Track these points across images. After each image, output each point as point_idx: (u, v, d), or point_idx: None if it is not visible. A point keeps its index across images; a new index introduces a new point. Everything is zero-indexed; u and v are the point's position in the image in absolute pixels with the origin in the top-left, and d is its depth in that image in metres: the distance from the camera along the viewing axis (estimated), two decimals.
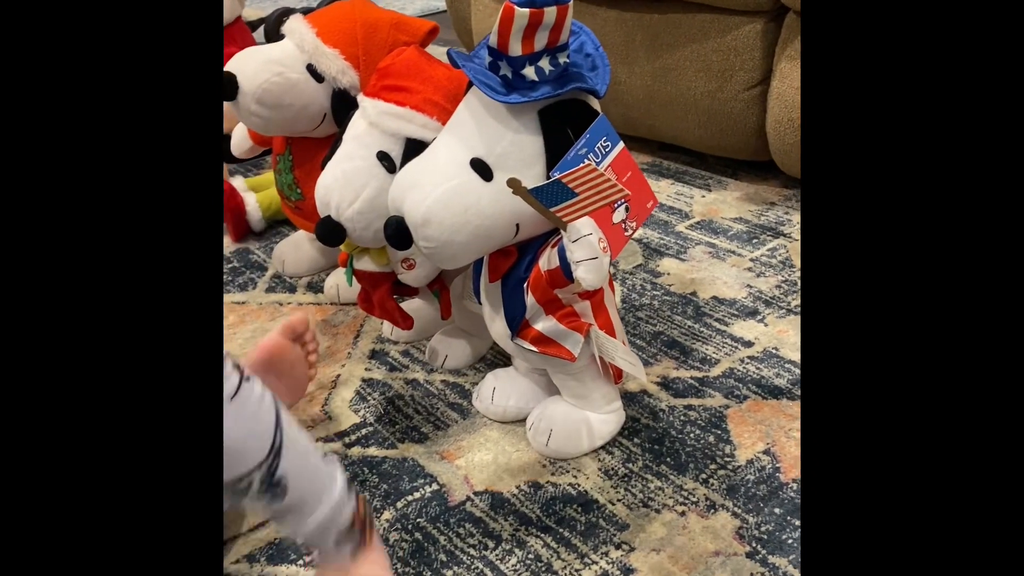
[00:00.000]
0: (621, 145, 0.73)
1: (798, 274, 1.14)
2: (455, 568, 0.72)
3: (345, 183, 0.83)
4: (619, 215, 0.74)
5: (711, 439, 0.85)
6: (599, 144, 0.71)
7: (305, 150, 1.06)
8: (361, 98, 0.86)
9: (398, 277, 0.92)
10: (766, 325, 1.03)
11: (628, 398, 0.90)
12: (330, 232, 0.84)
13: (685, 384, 0.93)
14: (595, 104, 0.76)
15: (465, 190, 0.72)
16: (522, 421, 0.89)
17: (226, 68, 0.98)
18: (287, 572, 0.73)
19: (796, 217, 1.29)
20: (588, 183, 0.64)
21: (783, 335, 1.01)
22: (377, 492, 0.81)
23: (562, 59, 0.72)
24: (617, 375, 0.84)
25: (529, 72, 0.71)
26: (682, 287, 1.12)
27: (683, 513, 0.76)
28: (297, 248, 1.20)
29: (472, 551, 0.74)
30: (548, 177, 0.71)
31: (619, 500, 0.78)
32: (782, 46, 1.25)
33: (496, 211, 0.73)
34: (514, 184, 0.66)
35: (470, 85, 0.78)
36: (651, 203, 0.77)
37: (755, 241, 1.23)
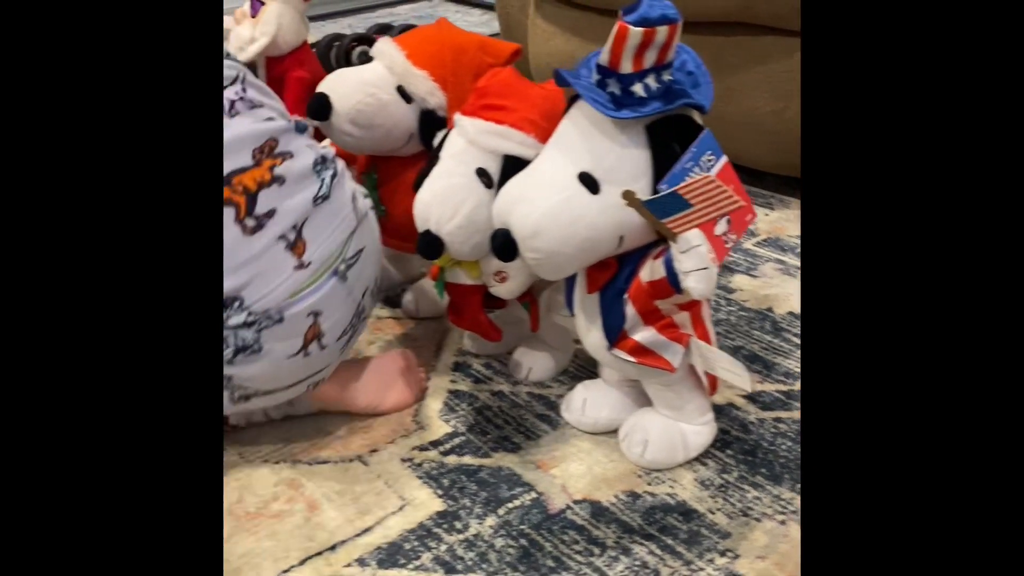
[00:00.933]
0: (725, 159, 0.75)
1: None
2: (563, 573, 0.73)
3: (445, 198, 0.85)
4: (721, 227, 0.76)
5: None
6: (704, 158, 0.73)
7: (390, 169, 1.09)
8: (458, 117, 0.89)
9: (489, 290, 0.94)
10: None
11: (716, 411, 0.91)
12: (430, 246, 0.86)
13: (772, 397, 0.94)
14: (699, 119, 0.78)
15: (573, 203, 0.74)
16: (612, 432, 0.90)
17: (319, 89, 1.02)
18: (396, 575, 0.74)
19: None
20: (705, 194, 0.66)
21: None
22: (478, 499, 0.82)
23: (666, 76, 0.75)
24: (712, 387, 0.86)
25: (638, 89, 0.73)
26: (757, 303, 1.14)
27: (783, 522, 0.77)
28: None
29: (579, 557, 0.75)
30: (655, 190, 0.73)
31: (718, 509, 0.79)
32: None
33: (602, 223, 0.75)
34: (629, 196, 0.69)
35: (571, 102, 0.81)
36: (750, 216, 0.79)
37: None
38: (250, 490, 0.85)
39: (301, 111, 1.22)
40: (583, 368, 1.03)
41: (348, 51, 2.10)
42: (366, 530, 0.79)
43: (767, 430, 0.89)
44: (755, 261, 1.24)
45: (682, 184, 0.66)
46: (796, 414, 0.91)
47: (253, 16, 1.44)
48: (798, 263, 1.23)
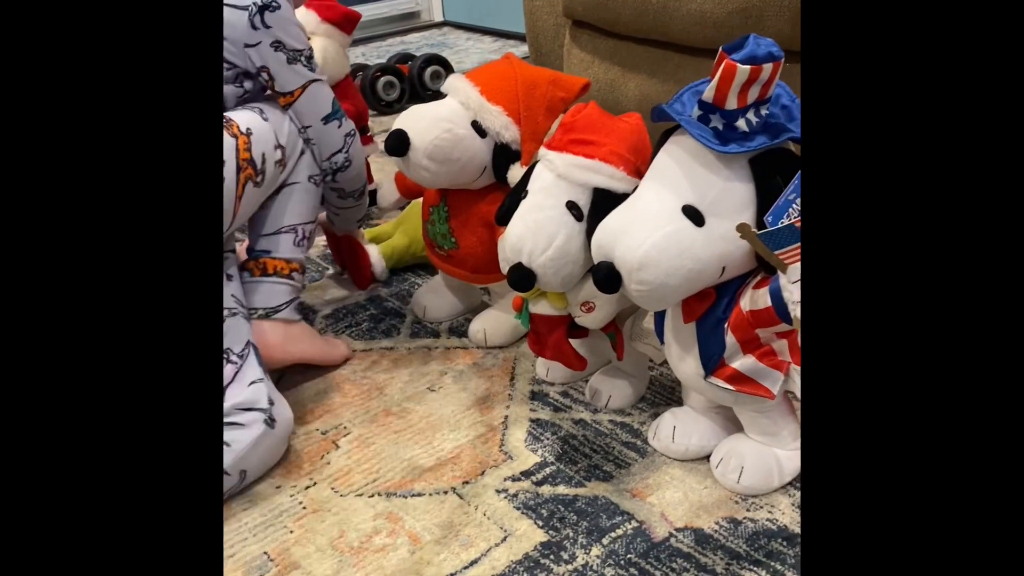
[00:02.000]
0: None
1: None
2: None
3: (538, 231, 0.87)
4: None
5: None
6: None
7: (461, 201, 1.11)
8: (545, 152, 0.91)
9: (575, 320, 0.95)
10: None
11: None
12: (523, 278, 0.88)
13: None
14: (796, 151, 0.80)
15: (679, 236, 0.76)
16: (702, 459, 0.91)
17: (396, 125, 1.03)
18: None
19: None
20: None
21: None
22: (579, 529, 0.83)
23: (764, 110, 0.77)
24: None
25: (741, 124, 0.75)
26: None
27: None
28: (437, 294, 1.24)
29: None
30: (760, 222, 0.75)
31: None
32: None
33: (707, 255, 0.76)
34: (744, 230, 0.70)
35: (664, 137, 0.82)
36: None
37: None
38: (350, 524, 0.86)
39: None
40: (660, 394, 1.04)
41: (373, 81, 2.14)
42: (473, 562, 0.80)
43: None
44: None
45: (800, 217, 0.67)
46: None
47: None
48: None
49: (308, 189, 1.08)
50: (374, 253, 1.32)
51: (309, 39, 1.43)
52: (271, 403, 0.91)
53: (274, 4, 1.01)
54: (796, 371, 0.81)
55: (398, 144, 1.02)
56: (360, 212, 1.23)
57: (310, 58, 1.06)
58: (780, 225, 0.69)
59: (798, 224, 0.68)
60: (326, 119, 1.07)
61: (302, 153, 1.07)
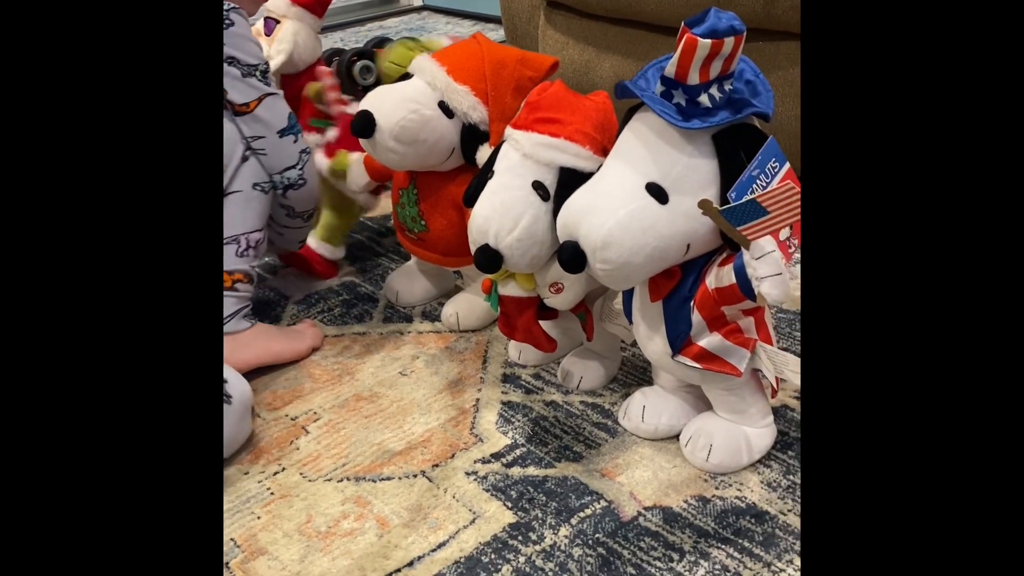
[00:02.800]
0: (788, 165, 0.76)
1: None
2: None
3: (504, 212, 0.86)
4: (784, 233, 0.77)
5: None
6: (769, 165, 0.75)
7: (430, 184, 1.10)
8: (511, 131, 0.90)
9: (544, 301, 0.95)
10: None
11: (772, 413, 0.93)
12: (489, 260, 0.87)
13: None
14: (761, 127, 0.79)
15: (643, 214, 0.75)
16: (671, 438, 0.91)
17: (361, 107, 1.02)
18: None
19: None
20: (783, 200, 0.67)
21: None
22: (548, 509, 0.83)
23: (728, 86, 0.76)
24: (774, 390, 0.87)
25: (704, 99, 0.74)
26: (794, 304, 1.15)
27: None
28: (410, 278, 1.23)
29: (659, 563, 0.76)
30: (724, 199, 0.75)
31: (790, 511, 0.80)
32: None
33: (671, 232, 0.76)
34: (706, 205, 0.70)
35: (629, 114, 0.82)
36: None
37: None
38: (318, 509, 0.85)
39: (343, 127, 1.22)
40: (631, 375, 1.04)
41: (349, 66, 2.11)
42: (441, 545, 0.80)
43: None
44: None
45: (762, 192, 0.67)
46: None
47: (268, 34, 1.45)
48: None
49: (252, 197, 1.08)
50: (315, 245, 1.30)
51: (279, 22, 1.42)
52: (224, 380, 0.90)
53: (227, 21, 1.03)
54: (763, 348, 0.81)
55: (364, 125, 1.01)
56: (304, 234, 1.21)
57: (265, 72, 1.08)
58: (743, 201, 0.69)
59: (760, 199, 0.68)
60: (281, 132, 1.08)
61: (244, 160, 1.06)
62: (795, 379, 0.80)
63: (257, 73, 1.06)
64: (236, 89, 1.05)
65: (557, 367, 1.05)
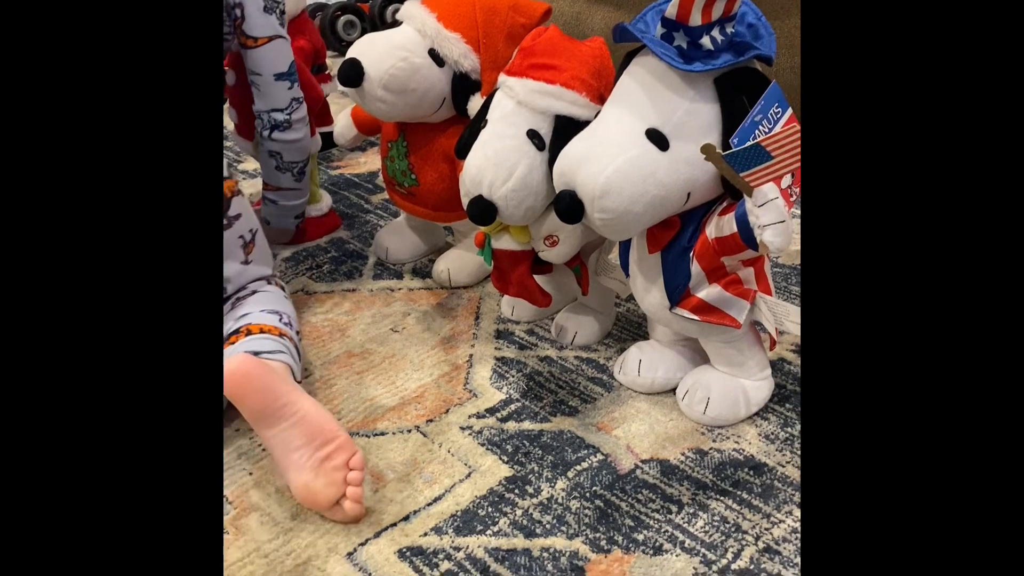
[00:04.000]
0: (790, 110, 0.74)
1: None
2: (645, 532, 0.74)
3: (498, 162, 0.84)
4: (786, 181, 0.76)
5: None
6: (772, 111, 0.73)
7: (420, 136, 1.07)
8: (504, 78, 0.87)
9: (539, 255, 0.93)
10: None
11: (770, 365, 0.92)
12: (483, 211, 0.85)
13: None
14: (764, 71, 0.77)
15: (643, 161, 0.73)
16: (668, 392, 0.90)
17: (349, 55, 0.99)
18: (475, 542, 0.74)
19: None
20: (787, 145, 0.65)
21: None
22: (544, 463, 0.82)
23: (730, 28, 0.74)
24: (772, 342, 0.86)
25: (706, 41, 0.72)
26: (789, 258, 1.14)
27: None
28: (400, 235, 1.20)
29: (657, 515, 0.75)
30: (726, 144, 0.73)
31: (788, 462, 0.80)
32: None
33: (672, 180, 0.74)
34: (708, 150, 0.68)
35: (628, 58, 0.79)
36: None
37: None
38: None
39: (304, 79, 1.18)
40: (626, 330, 1.02)
41: (333, 19, 2.06)
42: (437, 499, 0.79)
43: None
44: None
45: (767, 136, 0.65)
46: None
47: None
48: None
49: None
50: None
51: None
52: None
53: None
54: (763, 299, 0.80)
55: (352, 73, 0.97)
56: (297, 208, 1.18)
57: (283, 13, 1.08)
58: (746, 145, 0.67)
59: (764, 144, 0.66)
60: (278, 76, 1.06)
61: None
62: (796, 330, 0.79)
63: (277, 12, 1.06)
64: (254, 21, 1.04)
65: (551, 323, 1.03)
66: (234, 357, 0.77)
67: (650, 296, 0.84)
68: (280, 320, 0.89)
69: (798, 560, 0.69)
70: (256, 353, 0.81)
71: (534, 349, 1.00)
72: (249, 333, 0.85)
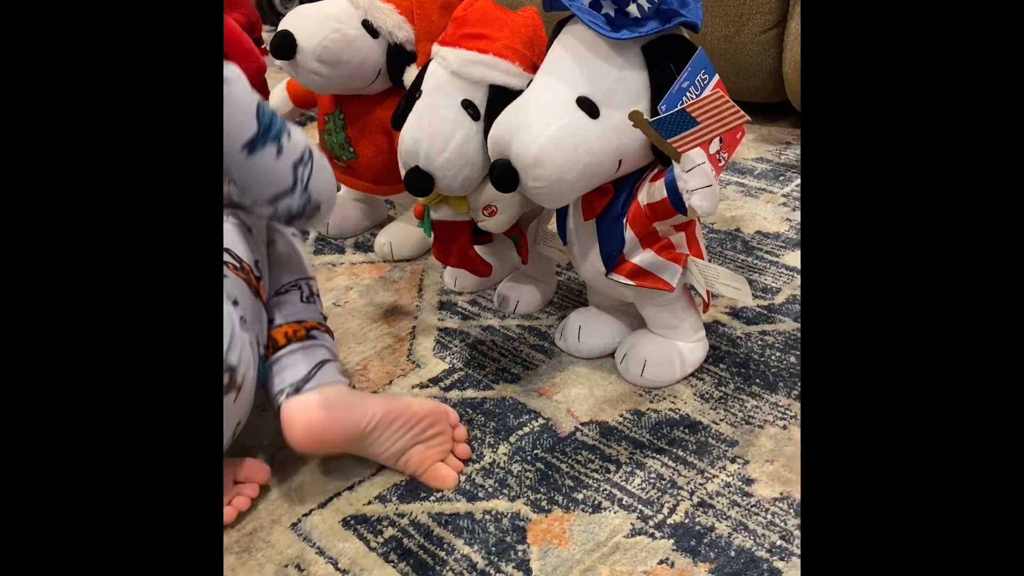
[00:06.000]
0: (717, 76, 0.76)
1: None
2: (584, 491, 0.76)
3: (434, 133, 0.84)
4: (714, 146, 0.78)
5: (792, 359, 0.90)
6: (699, 77, 0.74)
7: (357, 108, 1.07)
8: (438, 48, 0.87)
9: (478, 225, 0.93)
10: None
11: (704, 328, 0.94)
12: (419, 182, 0.85)
13: (754, 313, 0.98)
14: (690, 38, 0.78)
15: (575, 128, 0.74)
16: (607, 356, 0.92)
17: (281, 27, 0.98)
18: (419, 508, 0.75)
19: None
20: (713, 110, 0.67)
21: None
22: (487, 429, 0.83)
23: None
24: (705, 305, 0.88)
25: (633, 9, 0.73)
26: (725, 224, 1.17)
27: (785, 427, 0.81)
28: (341, 209, 1.20)
29: (596, 475, 0.77)
30: (655, 111, 0.74)
31: (722, 420, 0.83)
32: None
33: (603, 148, 0.75)
34: (636, 117, 0.69)
35: (559, 27, 0.80)
36: (740, 134, 0.81)
37: (782, 179, 1.28)
38: (255, 439, 0.84)
39: (244, 47, 1.17)
40: (567, 297, 1.04)
41: None
42: (381, 468, 0.79)
43: (755, 343, 0.93)
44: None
45: (692, 101, 0.67)
46: (780, 327, 0.95)
47: None
48: (758, 184, 1.27)
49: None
50: None
51: None
52: None
53: None
54: (695, 263, 0.82)
55: (284, 46, 0.96)
56: None
57: None
58: (673, 111, 0.68)
59: (690, 109, 0.67)
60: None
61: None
62: (728, 292, 0.81)
63: None
64: None
65: (493, 293, 1.04)
66: (295, 418, 0.72)
67: (587, 263, 0.85)
68: (302, 297, 0.79)
69: (731, 513, 0.72)
70: (298, 388, 0.74)
71: (477, 319, 1.01)
72: (276, 346, 0.76)
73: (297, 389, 0.74)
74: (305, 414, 0.72)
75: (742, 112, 0.67)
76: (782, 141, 1.40)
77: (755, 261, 1.08)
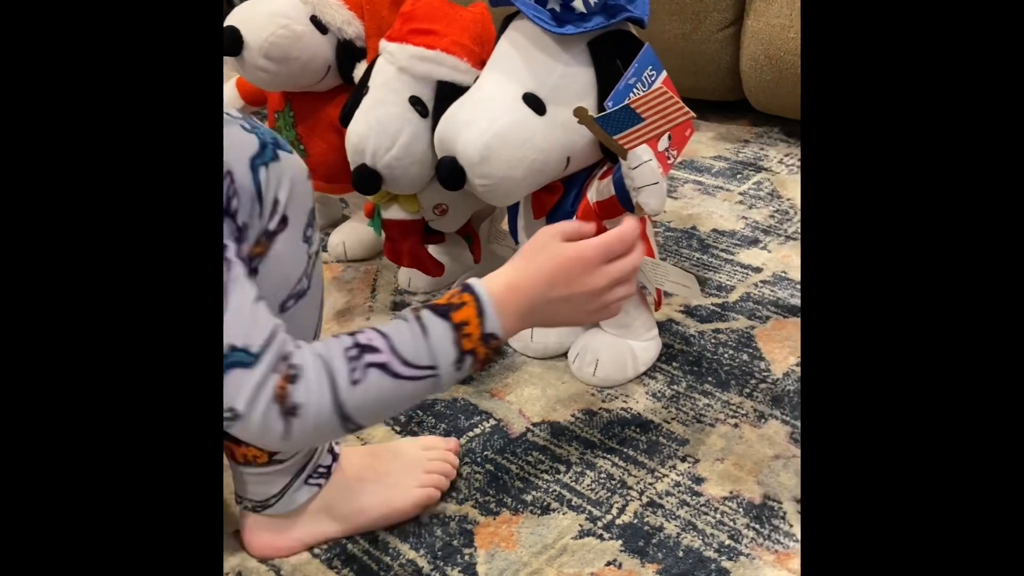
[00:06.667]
0: (665, 73, 0.75)
1: (788, 203, 1.19)
2: (533, 492, 0.75)
3: (380, 130, 0.82)
4: (663, 143, 0.77)
5: (745, 357, 0.90)
6: (646, 73, 0.74)
7: (307, 105, 1.05)
8: (385, 44, 0.86)
9: (429, 224, 0.92)
10: (769, 252, 1.08)
11: (658, 326, 0.94)
12: (367, 180, 0.84)
13: (708, 310, 0.97)
14: (637, 34, 0.78)
15: (521, 125, 0.73)
16: (560, 356, 0.91)
17: (227, 23, 0.96)
18: None
19: (772, 152, 1.35)
20: (656, 107, 0.66)
21: (788, 259, 1.06)
22: (437, 431, 0.82)
23: None
24: (657, 303, 0.88)
25: (578, 4, 0.72)
26: (681, 222, 1.17)
27: (736, 425, 0.81)
28: None
29: (546, 475, 0.76)
30: (601, 107, 0.73)
31: (673, 419, 0.82)
32: None
33: (550, 144, 0.74)
34: (580, 113, 0.68)
35: (506, 22, 0.79)
36: (690, 131, 0.80)
37: (739, 176, 1.28)
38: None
39: None
40: None
41: None
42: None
43: (708, 341, 0.92)
44: (673, 182, 1.27)
45: (636, 97, 0.66)
46: (733, 324, 0.95)
47: None
48: (715, 183, 1.27)
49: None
50: None
51: None
52: None
53: None
54: (647, 263, 0.81)
55: (230, 43, 0.94)
56: None
57: None
58: (617, 108, 0.68)
59: (634, 105, 0.66)
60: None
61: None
62: (679, 290, 0.81)
63: None
64: None
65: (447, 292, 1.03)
66: (253, 538, 0.70)
67: None
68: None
69: (679, 512, 0.71)
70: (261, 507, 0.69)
71: None
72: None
73: (258, 509, 0.69)
74: (260, 539, 0.70)
75: (687, 108, 0.66)
76: (740, 139, 1.41)
77: (710, 259, 1.07)
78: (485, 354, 0.59)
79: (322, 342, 0.57)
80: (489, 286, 0.60)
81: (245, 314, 0.54)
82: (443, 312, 0.59)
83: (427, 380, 0.57)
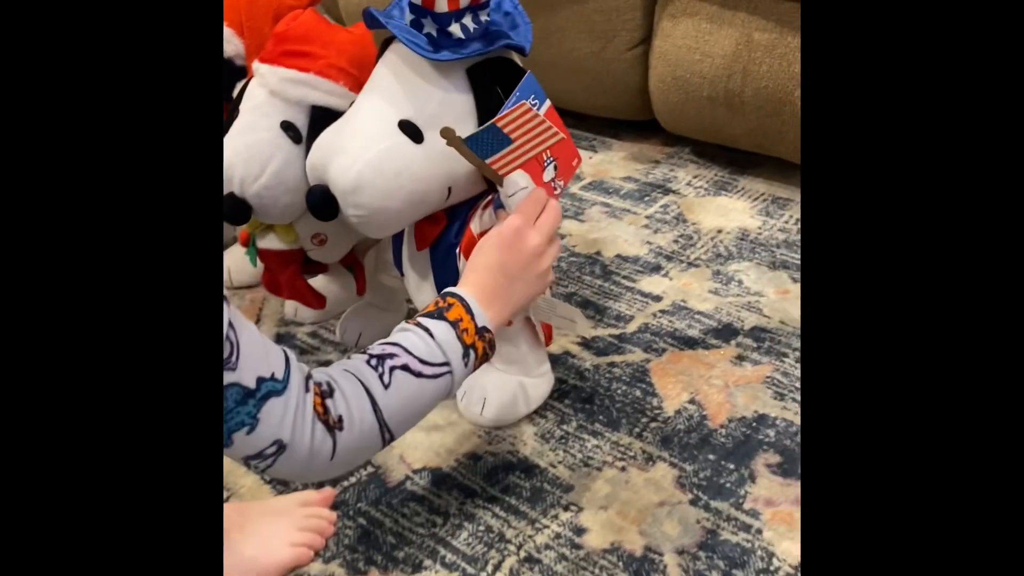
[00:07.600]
0: (548, 102, 0.72)
1: (692, 228, 1.18)
2: (406, 549, 0.70)
3: (249, 157, 0.77)
4: (549, 173, 0.73)
5: (638, 393, 0.87)
6: (528, 102, 0.70)
7: None
8: (257, 65, 0.80)
9: (307, 254, 0.87)
10: (671, 279, 1.06)
11: (553, 360, 0.90)
12: (234, 210, 0.78)
13: (605, 342, 0.94)
14: (520, 62, 0.74)
15: (396, 153, 0.68)
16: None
17: None
18: None
19: (681, 174, 1.33)
20: (524, 127, 0.62)
21: (688, 287, 1.04)
22: (308, 483, 0.77)
23: (483, 17, 0.70)
24: (548, 337, 0.84)
25: (455, 29, 0.68)
26: (586, 247, 1.14)
27: (623, 468, 0.78)
28: None
29: (421, 530, 0.72)
30: None
31: (560, 462, 0.78)
32: (662, 5, 1.27)
33: (428, 174, 0.70)
34: (447, 134, 0.64)
35: (384, 45, 0.74)
36: (576, 160, 0.77)
37: (647, 199, 1.26)
38: None
39: None
40: None
41: None
42: None
43: (602, 376, 0.89)
44: (581, 205, 1.24)
45: (500, 115, 0.62)
46: (629, 357, 0.92)
47: None
48: (623, 205, 1.24)
49: None
50: None
51: None
52: None
53: None
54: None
55: None
56: None
57: None
58: (483, 127, 0.63)
59: (500, 124, 0.62)
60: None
61: None
62: (565, 325, 0.77)
63: None
64: None
65: (336, 324, 0.98)
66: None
67: (422, 294, 0.80)
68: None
69: (557, 568, 0.68)
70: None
71: (315, 353, 0.94)
72: None
73: None
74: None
75: (556, 129, 0.63)
76: (651, 159, 1.39)
77: (612, 287, 1.04)
78: (483, 348, 0.63)
79: (337, 362, 0.60)
80: (464, 288, 0.64)
81: (258, 345, 0.53)
82: (437, 315, 0.62)
83: (443, 378, 0.61)
